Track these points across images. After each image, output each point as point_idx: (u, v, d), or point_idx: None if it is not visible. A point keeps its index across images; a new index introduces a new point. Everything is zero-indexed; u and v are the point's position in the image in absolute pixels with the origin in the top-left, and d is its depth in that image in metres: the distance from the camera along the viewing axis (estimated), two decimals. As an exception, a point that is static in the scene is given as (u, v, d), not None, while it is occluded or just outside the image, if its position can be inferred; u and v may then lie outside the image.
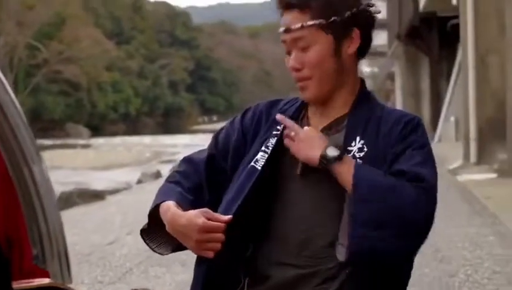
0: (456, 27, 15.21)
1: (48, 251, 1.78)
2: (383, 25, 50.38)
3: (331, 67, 1.95)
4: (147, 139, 50.42)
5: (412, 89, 30.05)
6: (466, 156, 13.37)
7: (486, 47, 12.98)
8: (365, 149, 1.92)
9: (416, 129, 1.93)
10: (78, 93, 71.86)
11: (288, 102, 2.08)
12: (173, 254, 6.28)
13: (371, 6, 2.00)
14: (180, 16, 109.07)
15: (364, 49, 2.00)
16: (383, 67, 50.39)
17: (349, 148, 1.92)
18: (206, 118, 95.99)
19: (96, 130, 67.50)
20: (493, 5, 12.75)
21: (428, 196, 1.87)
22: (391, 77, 40.97)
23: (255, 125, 2.07)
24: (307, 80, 1.95)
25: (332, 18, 1.92)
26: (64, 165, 27.31)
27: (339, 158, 1.86)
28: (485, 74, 12.97)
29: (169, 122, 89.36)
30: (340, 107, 1.98)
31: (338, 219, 1.89)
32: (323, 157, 1.87)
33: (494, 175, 11.53)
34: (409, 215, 1.82)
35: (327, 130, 1.97)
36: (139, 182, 14.31)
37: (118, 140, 50.94)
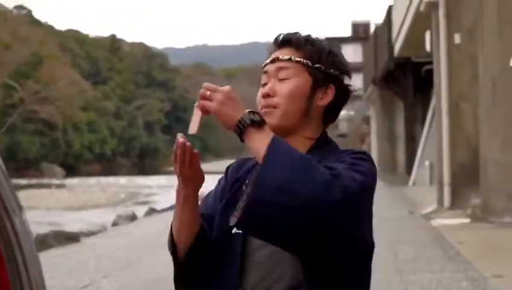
0: (431, 72, 15.43)
1: None
2: (359, 69, 50.96)
3: (300, 106, 2.01)
4: (122, 180, 50.22)
5: (387, 132, 30.27)
6: (440, 200, 13.49)
7: (460, 94, 13.19)
8: None
9: (356, 153, 1.95)
10: (54, 133, 71.63)
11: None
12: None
13: (349, 85, 2.10)
14: (157, 57, 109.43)
15: (332, 113, 2.07)
16: (359, 111, 50.75)
17: None
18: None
19: (71, 170, 67.18)
20: (466, 53, 12.98)
21: (338, 185, 1.77)
22: (367, 120, 41.25)
23: (230, 180, 2.15)
24: (273, 108, 2.00)
25: (318, 65, 2.02)
26: (39, 205, 27.14)
27: (260, 124, 1.86)
28: (458, 120, 13.16)
29: (145, 163, 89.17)
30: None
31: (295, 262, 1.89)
32: (244, 119, 1.86)
33: (467, 220, 11.63)
34: (315, 193, 1.74)
35: None
36: (115, 224, 14.27)
37: (93, 180, 50.71)
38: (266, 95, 2.02)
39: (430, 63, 15.45)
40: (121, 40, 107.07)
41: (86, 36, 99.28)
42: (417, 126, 25.09)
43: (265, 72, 2.06)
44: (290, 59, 2.03)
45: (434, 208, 13.51)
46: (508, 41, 10.78)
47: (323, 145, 2.04)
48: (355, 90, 2.13)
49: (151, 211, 17.04)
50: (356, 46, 74.98)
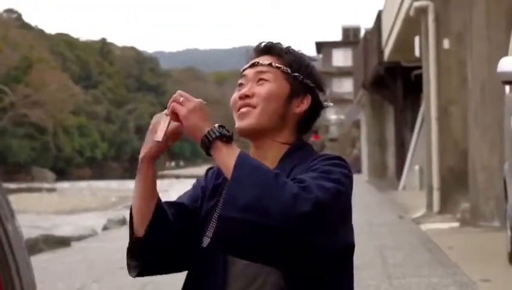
0: (420, 77, 15.51)
1: None
2: (349, 73, 51.07)
3: (277, 108, 2.06)
4: (113, 184, 50.14)
5: (377, 137, 30.34)
6: (429, 205, 13.55)
7: (448, 98, 13.27)
8: None
9: (328, 159, 1.99)
10: (44, 137, 71.53)
11: None
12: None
13: (325, 100, 2.15)
14: (148, 61, 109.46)
15: (306, 122, 2.12)
16: (349, 115, 50.86)
17: None
18: (173, 163, 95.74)
19: (62, 174, 67.10)
20: (455, 58, 13.07)
21: (306, 198, 1.80)
22: (357, 124, 41.34)
23: (210, 185, 2.16)
24: (251, 108, 2.05)
25: (297, 74, 2.09)
26: (29, 209, 27.07)
27: (228, 139, 1.90)
28: (448, 124, 13.24)
29: (136, 167, 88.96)
30: (272, 161, 2.04)
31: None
32: (212, 131, 1.90)
33: (456, 224, 11.69)
34: (284, 208, 1.78)
35: None
36: (105, 228, 14.28)
37: (83, 184, 50.63)
38: (245, 96, 2.07)
39: (420, 67, 15.53)
40: (111, 44, 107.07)
41: (76, 40, 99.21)
42: (407, 131, 25.16)
43: (244, 75, 2.12)
44: (270, 64, 2.09)
45: (423, 212, 13.58)
46: (496, 46, 10.85)
47: (298, 149, 2.08)
48: (329, 106, 2.18)
49: (142, 215, 17.05)
50: (346, 50, 75.24)
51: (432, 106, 13.36)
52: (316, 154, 2.07)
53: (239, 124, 2.07)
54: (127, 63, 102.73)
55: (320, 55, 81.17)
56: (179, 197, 2.22)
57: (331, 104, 2.21)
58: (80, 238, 11.94)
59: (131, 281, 7.76)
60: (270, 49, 2.13)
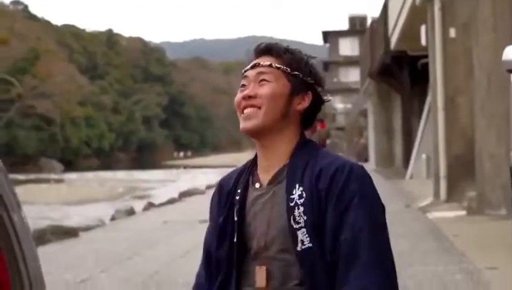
0: (427, 66, 15.47)
1: None
2: (356, 62, 50.99)
3: (280, 107, 2.13)
4: (120, 174, 50.25)
5: (384, 126, 30.30)
6: (436, 193, 13.55)
7: (455, 87, 13.25)
8: (304, 195, 2.06)
9: (346, 178, 2.05)
10: (52, 128, 71.68)
11: (241, 168, 2.26)
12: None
13: (324, 95, 2.22)
14: (154, 52, 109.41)
15: (309, 118, 2.20)
16: (356, 104, 50.80)
17: (291, 196, 2.07)
18: (181, 153, 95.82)
19: (70, 165, 67.23)
20: (461, 47, 13.04)
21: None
22: (364, 113, 41.31)
23: (219, 201, 2.25)
24: (256, 108, 2.13)
25: (297, 72, 2.16)
26: (37, 201, 27.18)
27: None
28: (454, 113, 13.22)
29: (143, 157, 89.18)
30: (281, 158, 2.14)
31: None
32: None
33: (463, 213, 11.70)
34: None
35: (271, 185, 2.14)
36: (113, 218, 14.32)
37: (91, 175, 50.73)
38: (249, 97, 2.14)
39: (426, 56, 15.50)
40: (117, 35, 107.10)
41: (83, 31, 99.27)
42: (414, 119, 25.12)
43: (245, 76, 2.19)
44: (270, 65, 2.16)
45: (430, 201, 13.58)
46: (502, 35, 10.83)
47: (305, 145, 2.16)
48: (329, 100, 2.25)
49: (149, 206, 17.09)
50: (353, 39, 75.07)
51: (439, 95, 13.35)
52: (319, 151, 2.15)
53: (245, 124, 2.15)
54: (133, 54, 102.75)
55: (327, 45, 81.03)
56: (205, 240, 2.28)
57: (331, 98, 2.28)
58: (87, 228, 11.98)
59: (139, 270, 7.83)
60: (269, 49, 2.20)
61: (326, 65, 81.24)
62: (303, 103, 2.17)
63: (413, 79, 24.14)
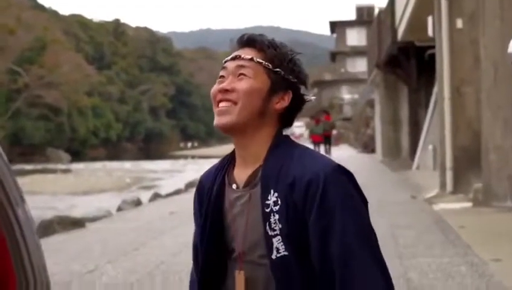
0: (434, 56, 15.45)
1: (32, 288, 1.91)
2: (363, 53, 50.89)
3: (256, 105, 2.02)
4: (127, 165, 50.34)
5: (391, 116, 30.25)
6: (442, 185, 13.55)
7: (462, 78, 13.24)
8: (279, 203, 1.96)
9: (323, 189, 1.94)
10: (59, 118, 71.79)
11: (218, 164, 2.18)
12: (153, 284, 6.32)
13: (306, 95, 2.11)
14: (161, 42, 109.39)
15: (287, 118, 2.10)
16: (363, 94, 50.72)
17: (267, 202, 1.98)
18: (189, 144, 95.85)
19: (77, 155, 67.35)
20: (468, 38, 13.03)
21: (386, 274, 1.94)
22: (371, 104, 41.22)
23: (199, 198, 2.19)
24: (232, 104, 2.03)
25: (278, 70, 2.05)
26: (44, 191, 27.29)
27: None
28: (461, 104, 13.21)
29: (150, 147, 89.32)
30: (256, 158, 2.04)
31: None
32: None
33: (469, 204, 11.70)
34: None
35: (247, 187, 2.04)
36: (120, 209, 14.36)
37: (98, 165, 50.81)
38: (225, 91, 2.04)
39: (433, 47, 15.47)
40: (124, 25, 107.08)
41: (90, 21, 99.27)
42: (421, 110, 25.09)
43: (225, 67, 2.09)
44: (251, 59, 2.05)
45: (436, 192, 13.58)
46: (509, 26, 10.82)
47: (280, 145, 2.06)
48: (311, 100, 2.14)
49: (156, 196, 17.13)
50: (360, 29, 74.92)
51: (445, 86, 13.34)
52: (295, 151, 2.04)
53: (219, 120, 2.05)
54: (140, 44, 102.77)
55: (334, 35, 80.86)
56: (194, 237, 2.24)
57: (313, 98, 2.16)
58: (94, 219, 12.01)
59: (145, 261, 7.86)
60: (252, 42, 2.09)
61: (334, 55, 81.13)
62: (282, 102, 2.06)
63: (420, 70, 24.12)
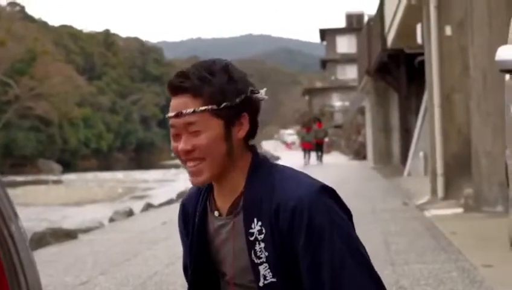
0: (424, 64, 15.53)
1: None
2: (353, 60, 51.00)
3: (222, 150, 1.98)
4: (119, 175, 50.31)
5: (381, 123, 30.37)
6: (433, 191, 13.62)
7: (451, 85, 13.31)
8: (264, 231, 1.96)
9: (308, 215, 1.92)
10: (50, 129, 71.73)
11: (197, 187, 2.15)
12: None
13: (256, 93, 2.05)
14: (151, 52, 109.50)
15: (252, 131, 2.05)
16: (354, 102, 50.85)
17: (251, 230, 1.98)
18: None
19: (68, 166, 67.29)
20: (457, 45, 13.10)
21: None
22: (362, 111, 41.33)
23: (184, 224, 2.24)
24: (200, 161, 1.98)
25: (224, 104, 1.96)
26: (36, 202, 27.28)
27: None
28: (451, 111, 13.28)
29: (142, 157, 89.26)
30: (236, 187, 2.03)
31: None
32: None
33: (460, 210, 11.75)
34: None
35: (230, 215, 2.05)
36: (112, 220, 14.37)
37: (90, 176, 50.82)
38: (186, 152, 1.98)
39: (423, 54, 15.55)
40: (115, 35, 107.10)
41: (80, 31, 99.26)
42: (412, 117, 25.18)
43: (173, 125, 2.01)
44: (194, 111, 1.96)
45: (427, 198, 13.64)
46: (497, 33, 10.88)
47: (258, 169, 2.03)
48: (265, 98, 2.06)
49: (148, 207, 17.14)
50: (350, 37, 75.12)
51: (435, 93, 13.40)
52: (275, 177, 2.01)
53: (195, 181, 2.01)
54: (130, 54, 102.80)
55: (324, 42, 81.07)
56: (183, 257, 2.30)
57: (266, 96, 2.07)
58: (86, 230, 12.02)
59: (137, 272, 7.87)
60: (184, 89, 1.98)
61: (324, 63, 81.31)
62: (243, 128, 2.01)
63: (410, 77, 24.21)
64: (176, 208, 11.14)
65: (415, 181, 18.81)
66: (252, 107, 2.03)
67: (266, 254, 1.96)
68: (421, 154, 20.71)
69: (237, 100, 1.98)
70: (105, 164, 75.41)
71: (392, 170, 25.38)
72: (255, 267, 1.99)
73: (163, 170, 54.75)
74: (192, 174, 2.01)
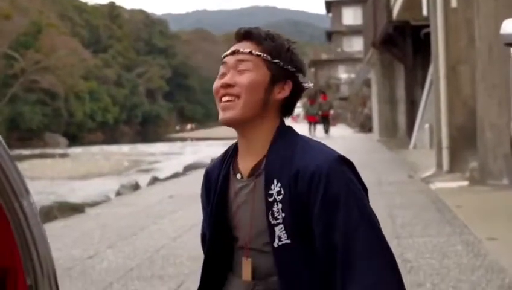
0: (429, 36, 15.48)
1: (41, 281, 1.98)
2: (359, 32, 50.83)
3: (259, 98, 2.08)
4: (125, 148, 50.38)
5: (387, 96, 30.30)
6: (439, 164, 13.63)
7: (457, 57, 13.28)
8: (282, 192, 2.04)
9: (326, 180, 2.00)
10: (56, 103, 71.73)
11: (223, 155, 2.25)
12: (152, 268, 6.40)
13: (304, 80, 2.17)
14: (157, 24, 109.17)
15: (289, 104, 2.17)
16: (360, 74, 50.72)
17: (270, 191, 2.05)
18: (189, 126, 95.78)
19: (74, 140, 67.39)
20: (462, 16, 13.06)
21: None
22: (367, 83, 41.26)
23: (206, 191, 2.27)
24: (235, 98, 2.08)
25: (277, 60, 2.11)
26: (43, 175, 27.35)
27: None
28: (456, 83, 13.26)
29: (148, 130, 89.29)
30: (261, 147, 2.11)
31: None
32: None
33: (465, 183, 11.78)
34: None
35: (252, 177, 2.12)
36: (118, 193, 14.44)
37: (96, 149, 50.84)
38: (227, 85, 2.09)
39: (429, 26, 15.50)
40: (120, 7, 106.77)
41: (85, 4, 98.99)
42: (417, 89, 25.12)
43: (224, 62, 2.14)
44: (250, 52, 2.10)
45: (433, 171, 13.66)
46: (503, 5, 10.84)
47: (283, 135, 2.12)
48: (310, 87, 2.20)
49: (154, 180, 17.22)
50: (356, 8, 74.73)
51: (440, 65, 13.38)
52: (297, 143, 2.10)
53: (223, 115, 2.10)
54: (136, 26, 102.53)
55: (330, 14, 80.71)
56: (202, 225, 2.32)
57: (312, 84, 2.22)
58: (93, 204, 12.10)
59: (144, 246, 7.94)
60: (249, 35, 2.14)
61: (330, 35, 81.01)
62: (283, 92, 2.12)
63: (416, 49, 24.12)
64: (182, 181, 11.34)
65: (421, 154, 18.84)
66: (296, 83, 2.15)
67: (283, 215, 2.03)
68: (427, 126, 20.69)
69: (288, 67, 2.13)
70: (111, 137, 75.47)
71: (398, 142, 25.40)
72: (271, 228, 2.05)
73: (170, 143, 54.81)
74: (224, 108, 2.09)
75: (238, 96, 2.08)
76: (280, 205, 2.03)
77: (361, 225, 1.98)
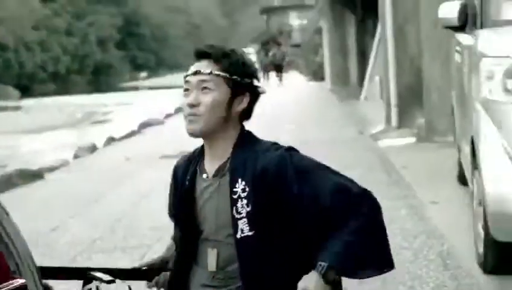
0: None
1: (21, 266, 2.29)
2: (310, -21, 50.61)
3: (221, 113, 2.40)
4: (78, 99, 49.89)
5: (338, 45, 30.46)
6: (388, 120, 13.98)
7: (404, 16, 13.52)
8: (247, 189, 2.38)
9: (291, 162, 2.39)
10: (5, 54, 70.59)
11: (190, 155, 2.57)
12: (115, 240, 6.68)
13: (258, 86, 2.50)
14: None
15: (248, 112, 2.49)
16: (311, 21, 50.71)
17: (235, 189, 2.39)
18: (141, 74, 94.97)
19: (26, 91, 66.44)
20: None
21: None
22: (319, 31, 41.38)
23: (174, 185, 2.60)
24: (199, 116, 2.39)
25: (235, 76, 2.42)
26: (-4, 129, 27.01)
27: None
28: (403, 42, 13.51)
29: (100, 79, 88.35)
30: (224, 151, 2.44)
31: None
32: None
33: (413, 139, 12.15)
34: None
35: (217, 177, 2.45)
36: (76, 156, 14.57)
37: (48, 100, 50.21)
38: (192, 105, 2.40)
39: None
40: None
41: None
42: (368, 40, 25.38)
43: (187, 81, 2.44)
44: (210, 72, 2.40)
45: (382, 127, 14.00)
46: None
47: (244, 140, 2.46)
48: (264, 92, 2.52)
49: (110, 140, 17.33)
50: (307, -46, 74.35)
51: (388, 24, 13.63)
52: (258, 145, 2.45)
53: (189, 127, 2.42)
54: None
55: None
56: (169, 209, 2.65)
57: (266, 91, 2.55)
58: (52, 169, 12.25)
59: (106, 214, 8.23)
60: (207, 55, 2.42)
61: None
62: (242, 104, 2.43)
63: None
64: (137, 141, 11.56)
65: (371, 106, 19.16)
66: (253, 93, 2.46)
67: (247, 209, 2.36)
68: (377, 78, 21.02)
69: (245, 80, 2.42)
70: (63, 87, 74.47)
71: (350, 91, 25.62)
72: (234, 221, 2.37)
73: (122, 92, 54.50)
74: (190, 122, 2.40)
75: (203, 114, 2.39)
76: (245, 201, 2.36)
77: (329, 172, 2.42)
